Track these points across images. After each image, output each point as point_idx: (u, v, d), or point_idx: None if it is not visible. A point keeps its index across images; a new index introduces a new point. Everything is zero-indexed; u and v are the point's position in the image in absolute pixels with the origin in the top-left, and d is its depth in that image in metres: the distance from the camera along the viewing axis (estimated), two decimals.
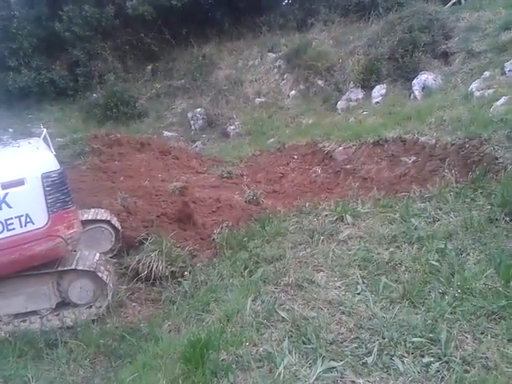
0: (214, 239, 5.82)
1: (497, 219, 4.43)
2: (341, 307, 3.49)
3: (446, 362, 2.78)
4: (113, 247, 5.90)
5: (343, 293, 3.72)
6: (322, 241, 4.71)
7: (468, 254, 4.01)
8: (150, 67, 15.83)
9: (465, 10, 12.01)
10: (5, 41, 14.64)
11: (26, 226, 4.14)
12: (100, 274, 4.58)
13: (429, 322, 3.14)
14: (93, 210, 6.04)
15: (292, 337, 3.20)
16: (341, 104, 11.72)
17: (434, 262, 3.84)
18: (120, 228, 5.93)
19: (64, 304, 4.68)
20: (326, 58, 13.08)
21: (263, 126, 12.13)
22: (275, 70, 14.13)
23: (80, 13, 14.43)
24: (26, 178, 4.14)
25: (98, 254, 4.91)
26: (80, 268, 4.54)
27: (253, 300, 3.80)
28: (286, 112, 12.65)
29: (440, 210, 4.96)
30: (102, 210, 6.07)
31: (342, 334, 3.19)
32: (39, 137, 5.27)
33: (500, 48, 9.70)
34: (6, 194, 4.04)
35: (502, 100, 7.35)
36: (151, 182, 8.41)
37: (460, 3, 13.10)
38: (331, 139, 9.47)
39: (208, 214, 6.82)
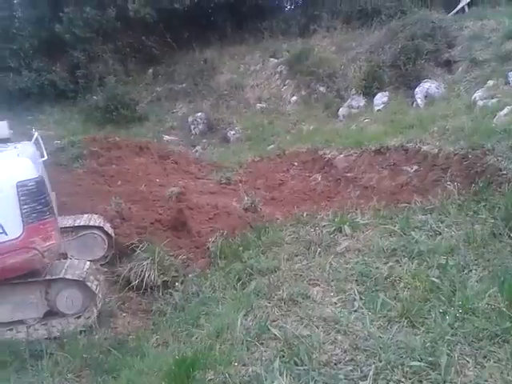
0: (208, 248, 5.67)
1: (500, 234, 4.27)
2: (336, 325, 3.32)
3: None
4: (105, 254, 5.76)
5: (339, 309, 3.55)
6: (319, 253, 4.56)
7: (470, 270, 3.86)
8: (151, 70, 15.76)
9: (468, 19, 11.89)
10: (5, 41, 14.58)
11: None
12: (89, 284, 4.43)
13: (428, 344, 2.97)
14: (86, 215, 5.90)
15: (284, 357, 3.04)
16: (342, 111, 11.59)
17: (434, 279, 3.68)
18: (113, 234, 5.79)
19: (52, 314, 4.52)
20: (327, 64, 12.99)
21: (264, 131, 12.02)
22: (277, 76, 14.02)
23: (81, 14, 14.37)
24: None
25: (88, 263, 4.76)
26: (69, 277, 4.39)
27: (244, 315, 3.65)
28: (286, 118, 12.53)
29: (442, 222, 4.81)
30: (96, 216, 5.94)
31: (337, 355, 3.03)
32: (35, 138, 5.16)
33: (504, 57, 9.58)
34: None
35: (506, 110, 7.22)
36: (148, 187, 8.28)
37: (464, 11, 12.98)
38: (332, 146, 9.35)
39: (204, 221, 6.68)
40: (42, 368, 3.88)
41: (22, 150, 4.50)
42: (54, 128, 13.08)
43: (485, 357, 2.85)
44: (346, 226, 4.99)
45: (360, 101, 11.48)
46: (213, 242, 5.66)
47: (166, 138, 12.82)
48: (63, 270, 4.47)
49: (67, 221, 5.66)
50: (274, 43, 14.97)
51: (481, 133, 6.69)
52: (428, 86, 10.15)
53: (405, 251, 4.28)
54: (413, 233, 4.59)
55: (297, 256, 4.69)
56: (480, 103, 8.35)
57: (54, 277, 4.41)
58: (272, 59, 14.54)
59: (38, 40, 14.99)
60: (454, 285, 3.61)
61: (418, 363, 2.81)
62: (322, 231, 5.04)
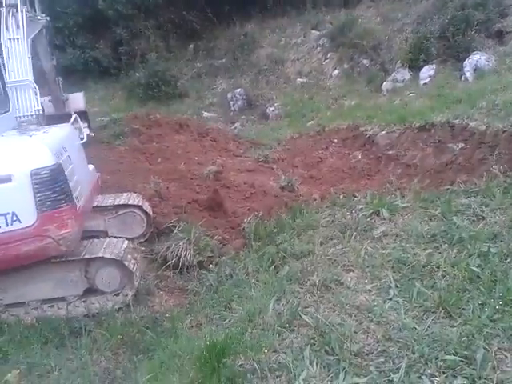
0: (243, 228, 5.66)
1: None
2: (369, 314, 3.26)
3: None
4: (144, 232, 5.87)
5: (373, 297, 3.48)
6: (355, 237, 4.47)
7: None
8: (191, 46, 15.69)
9: None
10: (50, 19, 14.76)
11: (12, 224, 3.89)
12: (126, 263, 4.53)
13: (464, 337, 2.87)
14: (125, 194, 6.02)
15: (314, 345, 3.02)
16: (386, 85, 11.21)
17: (474, 268, 3.53)
18: (151, 213, 5.89)
19: (91, 291, 4.68)
20: (372, 36, 12.53)
21: (303, 107, 11.80)
22: (318, 49, 13.65)
23: None
24: (13, 174, 3.86)
25: (126, 242, 4.87)
26: (107, 256, 4.51)
27: (276, 300, 3.64)
28: (327, 93, 12.25)
29: (486, 206, 4.59)
30: (135, 195, 6.05)
31: (369, 345, 2.97)
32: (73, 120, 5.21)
33: None
34: None
35: None
36: (187, 165, 8.35)
37: None
38: (374, 122, 9.08)
39: (241, 200, 6.69)
40: (80, 345, 4.03)
41: (50, 135, 4.49)
42: (99, 105, 13.35)
43: None
44: (384, 210, 4.85)
45: (405, 74, 11.04)
46: (248, 223, 5.64)
47: (206, 114, 12.83)
48: (102, 249, 4.59)
49: (108, 199, 5.79)
50: (317, 15, 14.53)
51: None
52: (478, 59, 9.61)
53: (445, 237, 4.12)
54: (454, 217, 4.41)
55: (331, 240, 4.61)
56: None
57: (92, 255, 4.53)
58: (314, 31, 14.14)
59: (82, 17, 15.18)
60: (495, 274, 3.45)
61: (453, 357, 2.73)
62: (358, 214, 4.93)
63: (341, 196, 5.88)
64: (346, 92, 11.89)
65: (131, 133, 10.12)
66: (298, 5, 15.14)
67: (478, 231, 4.07)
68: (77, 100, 9.53)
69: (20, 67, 5.00)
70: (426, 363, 2.72)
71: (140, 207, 5.80)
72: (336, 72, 12.83)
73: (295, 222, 5.30)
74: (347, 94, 11.76)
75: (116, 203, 5.77)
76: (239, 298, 3.96)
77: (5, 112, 4.77)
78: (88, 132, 10.12)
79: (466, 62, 9.77)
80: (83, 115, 9.95)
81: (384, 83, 11.29)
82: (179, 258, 5.14)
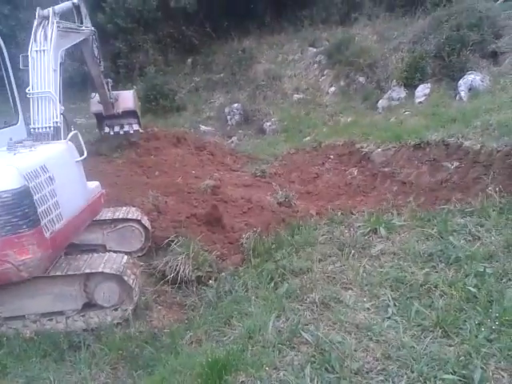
0: (242, 244, 5.71)
1: None
2: (368, 333, 3.31)
3: None
4: (142, 246, 5.89)
5: (372, 316, 3.54)
6: (353, 255, 4.53)
7: (509, 279, 3.77)
8: (189, 60, 15.86)
9: None
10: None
11: None
12: (126, 278, 4.55)
13: (462, 356, 2.93)
14: (124, 208, 6.04)
15: (315, 363, 3.06)
16: (382, 103, 11.36)
17: (471, 288, 3.60)
18: (150, 228, 5.92)
19: (90, 306, 4.68)
20: (368, 54, 12.72)
21: (300, 123, 11.93)
22: (315, 66, 13.84)
23: (123, 5, 14.59)
24: None
25: (125, 257, 4.88)
26: (107, 271, 4.53)
27: (276, 317, 3.68)
28: (324, 109, 12.39)
29: (481, 226, 4.68)
30: (134, 209, 6.07)
31: (368, 363, 3.02)
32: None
33: None
34: None
35: None
36: (184, 179, 8.40)
37: None
38: (370, 140, 9.18)
39: (238, 215, 6.73)
40: (79, 359, 4.03)
41: (32, 155, 4.35)
42: None
43: None
44: (381, 228, 4.93)
45: (401, 92, 11.20)
46: (247, 238, 5.69)
47: (203, 128, 12.92)
48: (102, 264, 4.60)
49: (107, 213, 5.81)
50: (314, 32, 14.77)
51: None
52: (472, 79, 9.77)
53: (442, 257, 4.20)
54: (451, 237, 4.49)
55: (330, 257, 4.67)
56: None
57: (92, 270, 4.54)
58: (311, 48, 14.35)
59: None
60: (491, 294, 3.53)
61: (452, 376, 2.78)
62: (356, 232, 5.00)
63: (339, 213, 5.93)
64: (342, 109, 12.04)
65: (129, 146, 10.18)
66: (296, 21, 15.41)
67: (474, 251, 4.15)
68: (126, 99, 9.57)
69: (43, 79, 5.05)
70: (425, 382, 2.77)
71: (139, 221, 5.82)
72: (332, 89, 13.00)
73: (294, 239, 5.35)
74: (343, 111, 11.90)
75: (115, 217, 5.80)
76: (239, 314, 3.99)
77: (12, 125, 4.77)
78: (138, 129, 10.18)
79: (460, 81, 9.93)
80: (132, 114, 10.03)
81: (380, 101, 11.44)
82: (178, 272, 5.16)
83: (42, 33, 5.24)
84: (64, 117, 5.47)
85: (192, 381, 3.07)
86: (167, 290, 5.22)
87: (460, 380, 2.75)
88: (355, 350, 3.14)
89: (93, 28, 6.96)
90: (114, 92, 9.39)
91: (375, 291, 3.84)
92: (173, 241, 5.59)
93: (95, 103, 9.54)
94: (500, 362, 2.88)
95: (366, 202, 7.19)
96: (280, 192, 7.49)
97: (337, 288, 3.97)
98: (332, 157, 9.66)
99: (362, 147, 9.14)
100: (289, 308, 3.78)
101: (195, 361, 3.29)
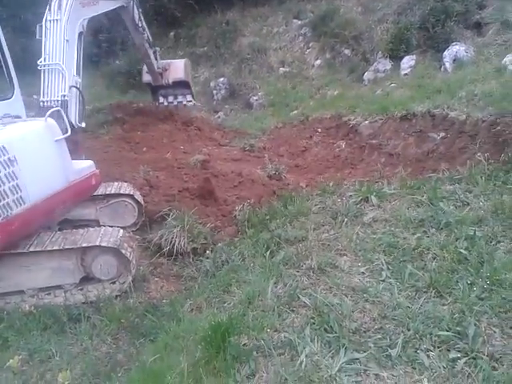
0: (235, 216, 5.78)
1: None
2: (364, 295, 3.43)
3: (474, 358, 2.70)
4: (136, 221, 5.92)
5: (367, 279, 3.65)
6: (346, 223, 4.63)
7: (498, 241, 3.90)
8: (172, 34, 15.59)
9: None
10: (30, 6, 14.47)
11: None
12: (123, 251, 4.59)
13: (456, 314, 3.06)
14: (116, 183, 6.05)
15: (314, 324, 3.17)
16: (368, 75, 11.37)
17: (462, 251, 3.73)
18: (143, 202, 5.94)
19: (88, 279, 4.73)
20: (353, 25, 12.64)
21: (287, 97, 11.91)
22: (300, 38, 13.73)
23: None
24: None
25: (121, 231, 4.92)
26: (104, 244, 4.56)
27: (274, 283, 3.77)
28: (310, 83, 12.37)
29: (470, 193, 4.81)
30: (125, 184, 6.08)
31: (366, 323, 3.14)
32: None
33: None
34: None
35: None
36: (173, 154, 8.38)
37: None
38: (357, 112, 9.24)
39: (229, 189, 6.79)
40: (80, 331, 4.09)
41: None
42: None
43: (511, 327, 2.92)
44: (372, 196, 5.03)
45: (386, 64, 11.20)
46: (240, 210, 5.76)
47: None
48: (98, 238, 4.63)
49: (99, 188, 5.80)
50: (298, 4, 14.56)
51: (511, 98, 6.53)
52: (457, 50, 9.83)
53: (432, 222, 4.32)
54: (441, 203, 4.61)
55: (324, 226, 4.76)
56: (510, 67, 8.12)
57: (90, 244, 4.57)
58: (295, 21, 14.19)
59: None
60: (481, 256, 3.66)
61: (446, 333, 2.91)
62: (348, 201, 5.10)
63: (330, 183, 6.02)
64: (328, 82, 12.02)
65: (115, 122, 10.08)
66: None
67: (464, 216, 4.28)
68: (177, 69, 9.23)
69: (54, 50, 4.94)
70: (421, 339, 2.90)
71: (131, 196, 5.84)
72: (318, 62, 12.94)
73: (287, 210, 5.43)
74: (329, 84, 11.89)
75: (107, 192, 5.80)
76: (237, 282, 4.07)
77: (5, 99, 4.65)
78: (191, 101, 9.88)
79: (445, 52, 9.97)
80: (184, 85, 9.73)
81: (366, 73, 11.44)
82: (173, 245, 5.23)
83: (57, 2, 5.10)
84: (78, 89, 5.36)
85: (196, 344, 3.16)
86: (163, 262, 5.29)
87: (455, 336, 2.88)
88: (352, 311, 3.25)
89: None
90: (164, 61, 9.09)
91: (369, 256, 3.95)
92: (167, 214, 5.63)
93: (146, 73, 9.25)
94: (492, 319, 3.02)
95: (355, 174, 7.29)
96: (270, 165, 7.55)
97: (332, 254, 4.07)
98: (319, 130, 9.69)
99: (349, 120, 9.19)
100: (286, 274, 3.88)
101: (197, 326, 3.39)
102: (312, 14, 13.95)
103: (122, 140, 9.16)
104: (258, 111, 11.76)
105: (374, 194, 5.12)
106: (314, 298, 3.44)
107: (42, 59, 5.14)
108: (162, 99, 10.01)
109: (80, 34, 5.78)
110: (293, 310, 3.38)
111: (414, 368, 2.70)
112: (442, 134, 7.47)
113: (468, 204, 4.56)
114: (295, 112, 10.86)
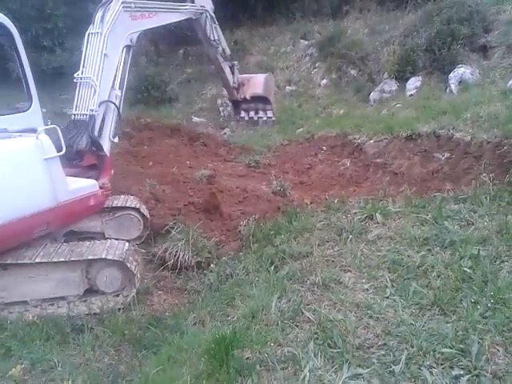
0: (240, 231, 5.80)
1: None
2: (368, 311, 3.43)
3: (477, 376, 2.70)
4: (141, 234, 5.95)
5: (371, 296, 3.66)
6: (351, 240, 4.65)
7: (502, 261, 3.90)
8: (181, 51, 15.81)
9: (507, 2, 11.48)
10: (40, 21, 14.78)
11: None
12: (129, 265, 4.61)
13: (459, 332, 3.06)
14: (122, 196, 6.09)
15: (318, 339, 3.18)
16: (373, 95, 11.49)
17: (466, 269, 3.74)
18: (148, 216, 5.97)
19: (91, 291, 4.74)
20: (360, 47, 12.83)
21: (293, 115, 12.01)
22: (307, 58, 13.93)
23: None
24: None
25: (127, 244, 4.94)
26: (109, 257, 4.58)
27: (278, 298, 3.78)
28: (316, 101, 12.50)
29: (474, 212, 4.83)
30: (132, 197, 6.12)
31: (369, 339, 3.14)
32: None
33: None
34: None
35: None
36: (179, 169, 8.45)
37: None
38: (362, 131, 9.30)
39: (234, 204, 6.82)
40: (83, 342, 4.10)
41: None
42: None
43: None
44: (377, 214, 5.05)
45: (392, 85, 11.34)
46: (245, 225, 5.78)
47: (196, 119, 12.94)
48: (104, 251, 4.66)
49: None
50: (305, 24, 14.83)
51: None
52: (462, 72, 9.94)
53: (437, 240, 4.33)
54: (445, 222, 4.63)
55: (328, 242, 4.78)
56: None
57: (95, 257, 4.59)
58: (302, 41, 14.42)
59: (72, 19, 15.16)
60: (485, 275, 3.66)
61: (450, 350, 2.91)
62: (353, 218, 5.11)
63: (335, 200, 6.04)
64: (334, 101, 12.15)
65: (122, 136, 10.17)
66: (287, 13, 15.46)
67: (469, 235, 4.29)
68: (256, 84, 8.99)
69: (90, 64, 4.94)
70: (425, 356, 2.90)
71: (137, 210, 5.88)
72: (324, 81, 13.10)
73: (292, 225, 5.46)
74: (335, 103, 12.02)
75: (114, 205, 5.84)
76: (241, 296, 4.09)
77: (22, 111, 4.65)
78: (272, 117, 9.69)
79: (451, 74, 10.09)
80: (263, 100, 9.53)
81: (371, 93, 11.57)
82: (177, 258, 5.24)
83: (100, 14, 5.09)
84: (114, 104, 5.31)
85: (199, 357, 3.16)
86: (167, 275, 5.30)
87: (458, 353, 2.88)
88: (356, 327, 3.25)
89: (206, 7, 6.51)
90: (245, 75, 8.88)
91: (373, 273, 3.96)
92: (172, 228, 5.66)
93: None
94: (495, 337, 3.01)
95: (359, 192, 7.31)
96: (275, 182, 7.59)
97: (336, 270, 4.08)
98: (325, 148, 9.76)
99: (354, 139, 9.26)
100: (290, 289, 3.89)
101: (201, 339, 3.40)
102: (319, 34, 14.19)
103: (129, 154, 9.25)
104: (264, 128, 11.85)
105: (379, 211, 5.14)
106: (317, 313, 3.45)
107: (79, 72, 5.15)
108: (243, 113, 9.85)
109: (127, 47, 5.71)
110: (296, 325, 3.39)
111: None
112: (447, 155, 7.51)
113: (472, 223, 4.58)
114: (301, 130, 10.94)
